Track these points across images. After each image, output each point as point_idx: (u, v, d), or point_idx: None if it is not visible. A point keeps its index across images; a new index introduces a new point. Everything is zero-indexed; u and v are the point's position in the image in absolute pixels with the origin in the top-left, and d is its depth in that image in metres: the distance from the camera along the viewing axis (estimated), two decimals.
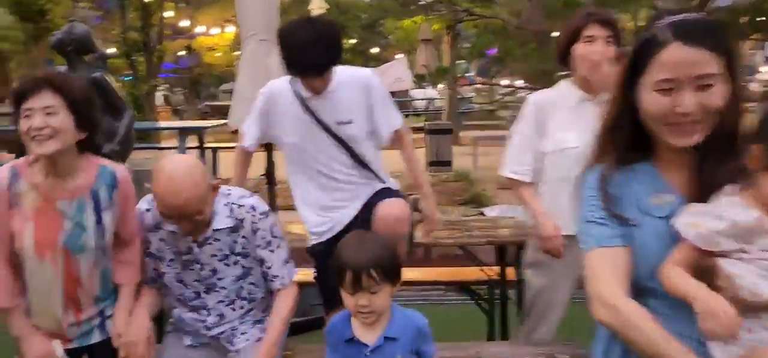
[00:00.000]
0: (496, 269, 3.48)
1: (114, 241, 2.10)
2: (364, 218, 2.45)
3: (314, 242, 2.59)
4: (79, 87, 2.01)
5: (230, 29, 15.52)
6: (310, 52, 2.31)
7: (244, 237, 2.13)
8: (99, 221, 2.01)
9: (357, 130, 2.48)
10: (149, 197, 2.10)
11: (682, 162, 1.33)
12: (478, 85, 17.10)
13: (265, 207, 2.18)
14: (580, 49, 2.41)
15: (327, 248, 2.44)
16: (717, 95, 1.23)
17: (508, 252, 3.40)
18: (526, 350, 2.59)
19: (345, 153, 2.49)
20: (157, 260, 2.17)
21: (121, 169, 2.11)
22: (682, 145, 1.27)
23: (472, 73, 21.71)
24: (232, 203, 2.12)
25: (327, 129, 2.46)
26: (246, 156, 2.72)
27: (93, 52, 4.52)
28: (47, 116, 1.87)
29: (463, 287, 3.78)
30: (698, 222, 1.25)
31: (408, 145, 2.73)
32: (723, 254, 1.23)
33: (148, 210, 2.12)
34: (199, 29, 13.51)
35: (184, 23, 15.02)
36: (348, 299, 1.73)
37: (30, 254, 1.97)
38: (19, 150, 8.79)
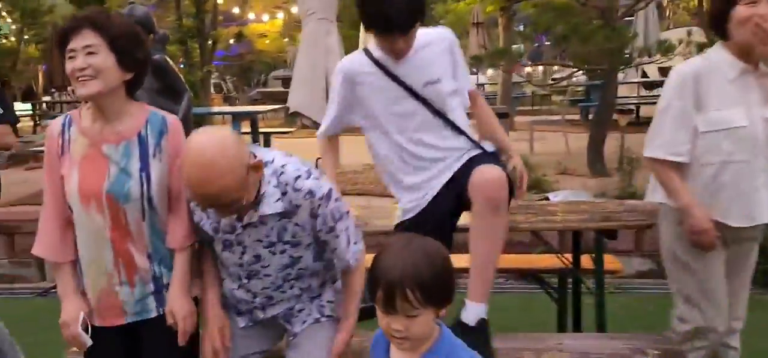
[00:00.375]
0: (568, 256, 3.30)
1: (169, 198, 1.99)
2: (455, 192, 2.31)
3: (400, 220, 2.47)
4: (120, 24, 1.91)
5: (281, 16, 15.58)
6: (395, 10, 2.17)
7: (297, 224, 1.92)
8: (145, 167, 1.91)
9: (444, 89, 2.35)
10: None
11: None
12: (529, 70, 16.70)
13: (325, 188, 1.92)
14: (742, 11, 2.12)
15: (411, 226, 2.33)
16: None
17: (581, 239, 3.22)
18: (613, 344, 2.42)
19: (435, 117, 2.35)
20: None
21: (172, 117, 2.00)
22: None
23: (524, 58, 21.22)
24: (287, 186, 1.88)
25: (414, 93, 2.33)
26: (331, 146, 2.59)
27: (153, 34, 4.51)
28: (88, 56, 1.81)
29: (532, 275, 3.61)
30: None
31: (483, 104, 2.61)
32: None
33: None
34: (250, 16, 13.55)
35: (235, 10, 15.18)
36: (381, 319, 1.43)
37: (76, 203, 1.90)
38: None
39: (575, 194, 5.19)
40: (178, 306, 1.97)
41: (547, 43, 18.31)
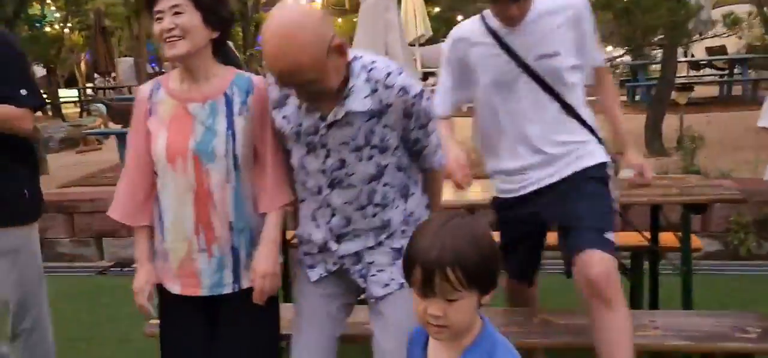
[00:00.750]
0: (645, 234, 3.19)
1: (254, 161, 1.96)
2: (555, 208, 2.18)
3: (495, 195, 2.40)
4: None
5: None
6: None
7: (386, 126, 1.78)
8: (231, 126, 1.88)
9: (562, 64, 2.14)
10: None
11: None
12: None
13: (418, 87, 1.79)
14: None
15: (510, 207, 2.30)
16: None
17: (660, 215, 3.11)
18: (709, 321, 2.32)
19: (547, 96, 2.16)
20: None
21: (258, 78, 1.97)
22: None
23: None
24: (377, 83, 1.75)
25: (525, 66, 2.14)
26: (446, 128, 2.31)
27: None
28: (175, 16, 1.80)
29: None
30: None
31: (609, 86, 2.43)
32: None
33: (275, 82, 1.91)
34: None
35: None
36: (417, 304, 1.30)
37: (162, 163, 1.89)
38: (127, 120, 9.11)
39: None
40: (262, 265, 1.93)
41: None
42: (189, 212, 1.90)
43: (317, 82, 1.64)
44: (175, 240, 1.93)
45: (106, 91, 14.24)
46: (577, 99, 2.20)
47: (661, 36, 6.05)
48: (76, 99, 14.86)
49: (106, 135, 9.42)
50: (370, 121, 1.75)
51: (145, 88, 1.98)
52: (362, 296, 1.98)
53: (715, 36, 6.67)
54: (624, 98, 11.35)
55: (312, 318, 1.96)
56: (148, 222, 1.99)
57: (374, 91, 1.73)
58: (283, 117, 1.85)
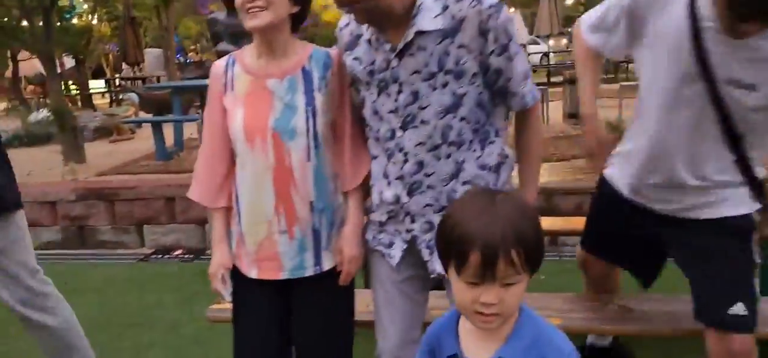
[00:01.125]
0: None
1: (334, 136, 1.89)
2: (694, 238, 1.94)
3: (607, 171, 2.18)
4: None
5: None
6: None
7: (461, 46, 1.64)
8: (310, 102, 1.81)
9: (752, 101, 1.76)
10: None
11: None
12: None
13: (496, 0, 1.64)
14: None
15: (623, 202, 2.10)
16: None
17: None
18: None
19: (717, 126, 1.82)
20: (355, 91, 1.86)
21: (336, 51, 1.89)
22: None
23: None
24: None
25: (712, 85, 1.77)
26: (595, 63, 2.09)
27: None
28: None
29: None
30: None
31: None
32: None
33: (346, 25, 1.84)
34: None
35: None
36: (464, 293, 1.17)
37: (241, 141, 1.83)
38: (159, 109, 9.16)
39: None
40: (348, 247, 1.89)
41: None
42: (269, 192, 1.83)
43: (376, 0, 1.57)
44: (254, 222, 1.88)
45: (135, 81, 14.32)
46: (752, 141, 1.86)
47: None
48: (105, 89, 14.97)
49: (140, 124, 9.47)
50: (443, 42, 1.63)
51: (219, 64, 1.91)
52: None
53: None
54: None
55: (394, 312, 1.90)
56: (227, 203, 1.94)
57: (445, 7, 1.62)
58: (355, 59, 1.77)
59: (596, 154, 2.12)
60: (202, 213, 5.28)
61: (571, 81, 7.98)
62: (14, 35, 7.67)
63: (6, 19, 7.83)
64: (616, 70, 14.92)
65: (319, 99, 1.82)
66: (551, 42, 19.86)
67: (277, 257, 1.88)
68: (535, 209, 1.23)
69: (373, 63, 1.73)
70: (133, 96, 9.14)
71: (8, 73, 17.85)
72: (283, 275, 1.90)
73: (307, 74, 1.83)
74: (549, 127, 7.56)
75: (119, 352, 3.43)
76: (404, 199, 1.78)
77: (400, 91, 1.70)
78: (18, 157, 8.55)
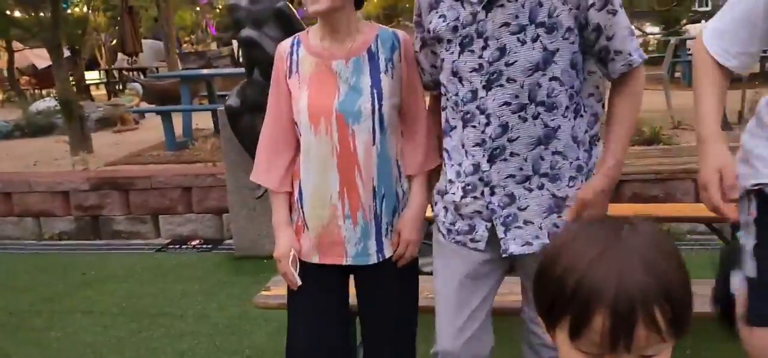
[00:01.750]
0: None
1: (402, 120, 1.87)
2: None
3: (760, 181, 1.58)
4: None
5: None
6: None
7: None
8: (376, 84, 1.78)
9: None
10: None
11: None
12: None
13: None
14: None
15: None
16: None
17: None
18: None
19: None
20: (433, 55, 1.77)
21: (403, 33, 1.86)
22: None
23: None
24: None
25: None
26: (721, 76, 1.62)
27: None
28: None
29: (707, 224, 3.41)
30: None
31: None
32: None
33: None
34: None
35: None
36: None
37: (305, 124, 1.80)
38: (162, 100, 9.04)
39: None
40: (407, 230, 1.87)
41: None
42: (333, 176, 1.81)
43: None
44: (318, 206, 1.85)
45: (135, 72, 14.17)
46: None
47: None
48: (103, 80, 14.81)
49: (143, 114, 9.37)
50: None
51: (284, 45, 1.88)
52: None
53: None
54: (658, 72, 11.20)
55: (465, 310, 1.77)
56: (290, 188, 1.91)
57: None
58: (440, 17, 1.66)
59: (723, 200, 1.54)
60: (219, 203, 5.23)
61: None
62: (18, 23, 7.56)
63: (10, 11, 7.71)
64: None
65: (385, 81, 1.80)
66: None
67: (341, 243, 1.86)
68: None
69: (457, 18, 1.62)
70: (137, 86, 9.06)
71: (1, 64, 17.63)
72: (346, 262, 1.88)
73: (372, 56, 1.80)
74: None
75: (152, 340, 3.40)
76: (484, 166, 1.65)
77: (485, 47, 1.58)
78: (21, 147, 8.49)
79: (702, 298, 2.07)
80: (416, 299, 2.01)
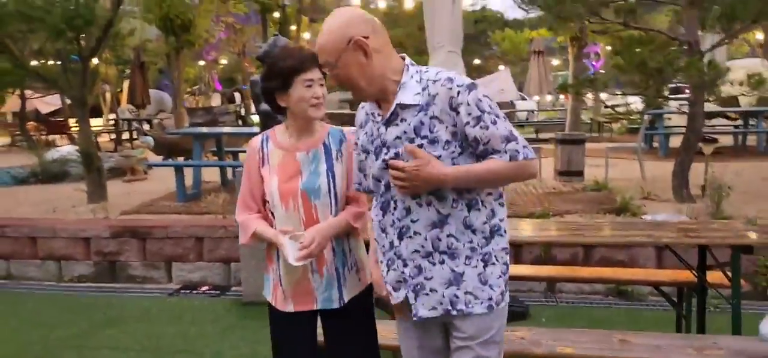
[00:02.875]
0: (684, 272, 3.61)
1: (347, 192, 2.34)
2: None
3: None
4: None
5: None
6: None
7: (433, 117, 1.91)
8: (330, 168, 2.30)
9: None
10: None
11: None
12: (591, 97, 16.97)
13: (468, 80, 1.93)
14: None
15: None
16: None
17: (707, 254, 3.53)
18: (764, 345, 2.74)
19: None
20: (363, 164, 2.16)
21: (348, 131, 2.40)
22: None
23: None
24: (427, 81, 1.95)
25: None
26: None
27: None
28: (321, 87, 2.25)
29: (656, 287, 3.94)
30: None
31: None
32: None
33: (362, 107, 2.16)
34: (305, 35, 14.22)
35: (306, 36, 15.99)
36: None
37: (277, 202, 2.28)
38: (170, 152, 9.52)
39: (672, 216, 5.48)
40: (312, 232, 2.23)
41: (601, 71, 18.52)
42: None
43: (337, 69, 1.92)
44: (292, 267, 2.29)
45: (142, 122, 14.78)
46: None
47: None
48: (105, 128, 15.36)
49: (151, 165, 9.91)
50: (420, 114, 1.92)
51: (256, 141, 2.39)
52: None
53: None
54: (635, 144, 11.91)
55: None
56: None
57: (424, 88, 1.92)
58: (365, 133, 2.09)
59: None
60: (228, 253, 5.75)
61: (563, 140, 8.61)
62: (41, 75, 8.10)
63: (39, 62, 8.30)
64: (600, 129, 15.69)
65: (337, 166, 2.33)
66: (537, 98, 20.73)
67: (310, 292, 2.35)
68: None
69: (372, 134, 2.05)
70: (149, 139, 9.62)
71: (7, 108, 18.20)
72: (316, 306, 2.37)
73: (326, 148, 2.34)
74: (542, 182, 8.14)
75: None
76: (396, 243, 2.02)
77: (387, 151, 1.98)
78: (37, 193, 9.01)
79: (658, 349, 2.59)
80: (375, 335, 2.48)
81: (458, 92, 1.87)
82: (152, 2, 13.26)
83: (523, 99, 22.23)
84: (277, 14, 13.60)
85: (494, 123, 1.88)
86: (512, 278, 4.13)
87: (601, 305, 5.03)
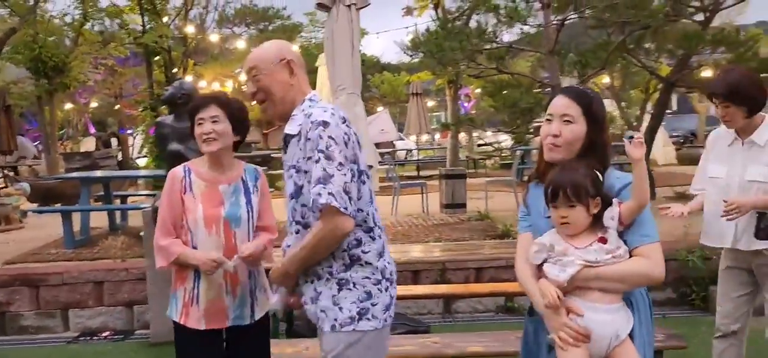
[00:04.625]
0: None
1: (260, 221, 2.65)
2: None
3: None
4: (236, 104, 2.68)
5: (230, 85, 16.25)
6: None
7: (301, 148, 2.09)
8: (248, 201, 2.62)
9: None
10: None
11: None
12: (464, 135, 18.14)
13: (325, 117, 2.05)
14: None
15: None
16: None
17: None
18: None
19: None
20: None
21: (260, 169, 2.77)
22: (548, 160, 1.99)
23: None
24: (309, 113, 2.11)
25: None
26: None
27: None
28: (213, 123, 2.55)
29: None
30: (531, 247, 1.96)
31: None
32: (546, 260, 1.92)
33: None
34: (202, 84, 14.19)
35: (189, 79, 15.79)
36: None
37: (201, 227, 2.56)
38: (45, 199, 8.97)
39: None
40: (247, 245, 2.55)
41: (473, 111, 19.91)
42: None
43: (263, 75, 2.13)
44: (209, 285, 2.56)
45: (10, 169, 13.77)
46: None
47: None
48: None
49: (25, 213, 9.38)
50: (296, 144, 2.12)
51: (178, 171, 2.63)
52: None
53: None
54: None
55: None
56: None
57: (303, 121, 2.10)
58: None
59: None
60: (131, 296, 5.69)
61: (446, 175, 9.30)
62: None
63: None
64: (475, 165, 16.83)
65: (253, 199, 2.65)
66: (413, 137, 21.80)
67: (224, 310, 2.59)
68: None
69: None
70: (25, 185, 9.10)
71: None
72: (228, 324, 2.61)
73: (244, 182, 2.67)
74: (430, 216, 8.74)
75: None
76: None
77: (285, 175, 2.24)
78: None
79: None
80: (269, 353, 2.76)
81: (309, 127, 2.05)
82: (21, 43, 12.59)
83: (402, 139, 23.23)
84: (157, 57, 13.41)
85: (317, 161, 2.01)
86: (412, 298, 4.57)
87: (494, 320, 5.59)
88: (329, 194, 1.96)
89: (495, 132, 10.24)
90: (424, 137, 22.51)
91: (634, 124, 10.69)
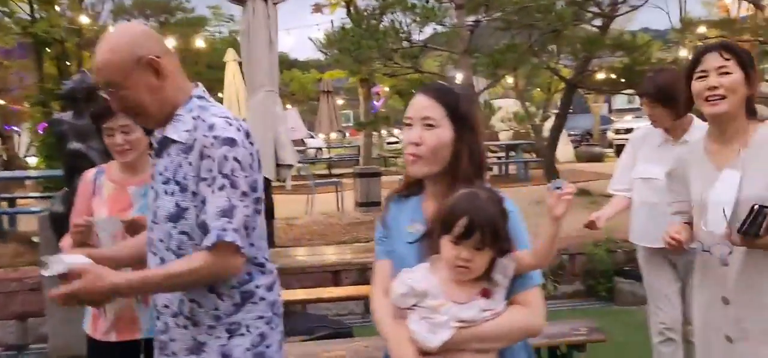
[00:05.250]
0: None
1: None
2: None
3: None
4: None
5: None
6: None
7: (190, 163, 1.71)
8: None
9: None
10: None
11: (436, 197, 1.63)
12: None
13: (231, 134, 1.70)
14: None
15: None
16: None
17: None
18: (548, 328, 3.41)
19: None
20: None
21: None
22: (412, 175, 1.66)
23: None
24: (202, 121, 1.73)
25: None
26: None
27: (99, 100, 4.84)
28: (124, 134, 2.35)
29: None
30: (395, 284, 1.57)
31: None
32: (410, 308, 1.55)
33: None
34: None
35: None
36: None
37: (105, 232, 2.38)
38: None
39: None
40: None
41: (383, 109, 20.03)
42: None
43: (124, 90, 1.67)
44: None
45: None
46: None
47: None
48: None
49: None
50: (182, 154, 1.72)
51: (89, 174, 2.50)
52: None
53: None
54: None
55: None
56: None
57: (196, 127, 1.71)
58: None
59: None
60: (24, 307, 5.23)
61: (360, 174, 9.27)
62: None
63: None
64: (386, 163, 16.94)
65: None
66: (322, 135, 21.66)
67: (135, 321, 2.38)
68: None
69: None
70: None
71: None
72: (141, 335, 2.42)
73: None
74: (343, 213, 8.68)
75: None
76: (161, 305, 1.89)
77: (154, 187, 1.83)
78: None
79: None
80: None
81: (212, 143, 1.68)
82: None
83: (312, 137, 23.01)
84: (49, 49, 12.47)
85: (221, 188, 1.67)
86: (333, 300, 4.42)
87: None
88: (234, 230, 1.65)
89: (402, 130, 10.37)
90: (334, 135, 22.41)
91: (538, 122, 11.15)
